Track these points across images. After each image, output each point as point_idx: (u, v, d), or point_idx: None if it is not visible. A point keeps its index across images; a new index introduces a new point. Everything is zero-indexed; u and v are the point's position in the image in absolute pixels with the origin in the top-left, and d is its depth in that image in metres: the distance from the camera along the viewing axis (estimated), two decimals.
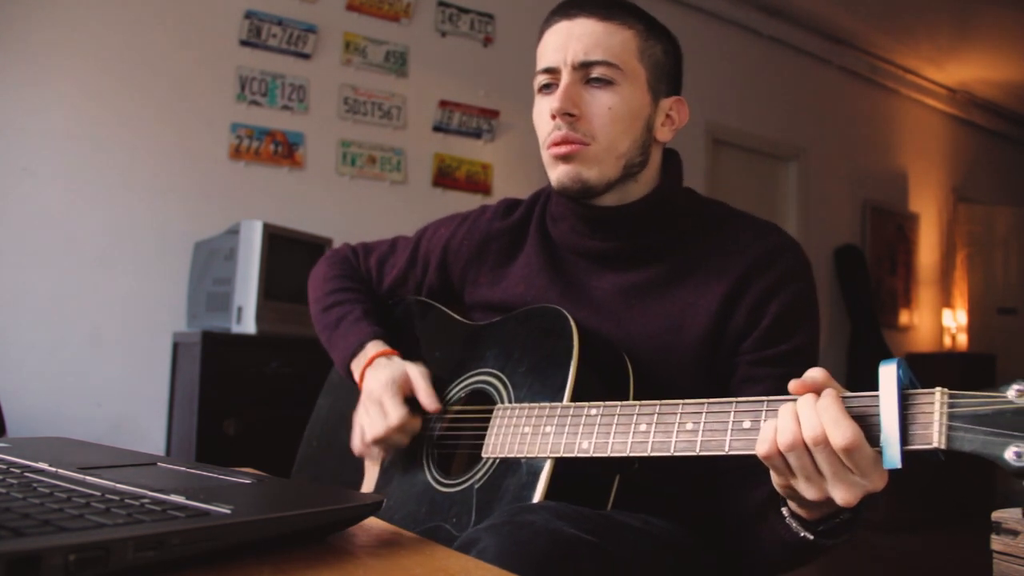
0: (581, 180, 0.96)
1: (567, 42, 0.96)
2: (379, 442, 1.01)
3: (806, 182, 4.90)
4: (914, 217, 5.64)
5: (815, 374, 0.69)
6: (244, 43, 2.96)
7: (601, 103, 0.95)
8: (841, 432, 0.64)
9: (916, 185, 5.68)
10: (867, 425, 0.66)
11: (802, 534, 0.75)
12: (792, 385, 0.68)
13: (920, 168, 5.71)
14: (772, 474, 0.71)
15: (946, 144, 5.94)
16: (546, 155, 0.99)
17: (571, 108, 0.94)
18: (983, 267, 6.03)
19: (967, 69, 5.48)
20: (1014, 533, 0.80)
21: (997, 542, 0.82)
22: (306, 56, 3.08)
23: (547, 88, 0.99)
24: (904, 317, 5.51)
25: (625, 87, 0.96)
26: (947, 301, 5.87)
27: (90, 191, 2.65)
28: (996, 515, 0.83)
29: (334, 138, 3.13)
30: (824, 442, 0.65)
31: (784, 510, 0.77)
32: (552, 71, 0.98)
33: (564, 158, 0.96)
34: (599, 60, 0.95)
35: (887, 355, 5.06)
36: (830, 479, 0.66)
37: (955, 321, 5.86)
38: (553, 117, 0.95)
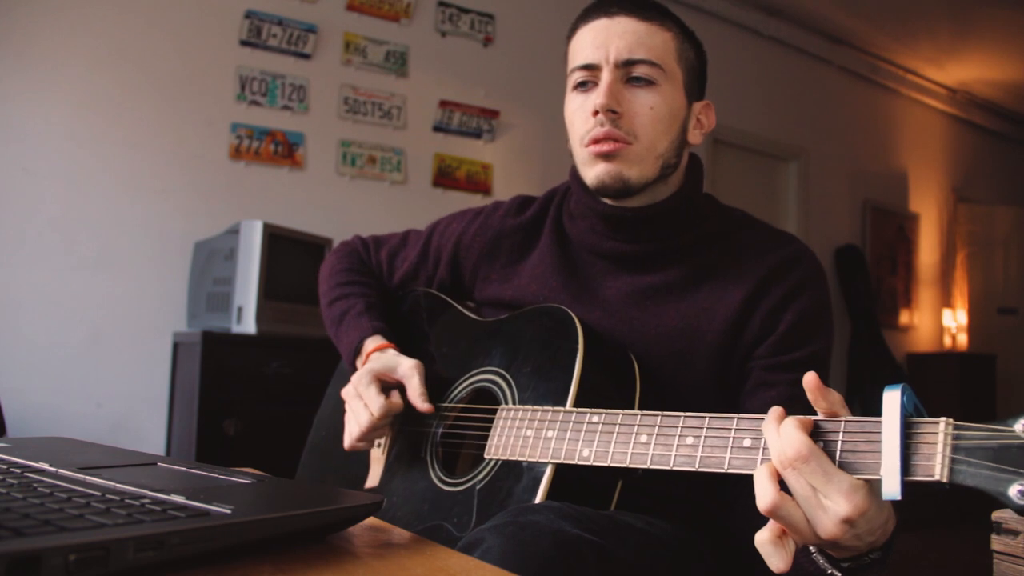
0: (622, 179, 0.96)
1: (608, 39, 0.95)
2: (366, 436, 1.01)
3: (806, 182, 4.90)
4: (914, 217, 5.64)
5: (833, 393, 0.68)
6: (244, 43, 2.96)
7: (643, 102, 0.95)
8: (790, 443, 0.64)
9: (916, 185, 5.68)
10: (868, 452, 0.64)
11: (829, 571, 0.72)
12: (808, 379, 0.67)
13: (920, 168, 5.71)
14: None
15: (946, 144, 5.94)
16: (583, 152, 0.98)
17: (615, 105, 0.94)
18: (983, 267, 6.03)
19: (967, 69, 5.48)
20: (1014, 533, 0.80)
21: (997, 542, 0.82)
22: (306, 56, 3.08)
23: (583, 86, 0.98)
24: (904, 317, 5.51)
25: (665, 87, 0.96)
26: (947, 301, 5.87)
27: (90, 191, 2.65)
28: (996, 515, 0.82)
29: (334, 138, 3.13)
30: (790, 462, 0.64)
31: (811, 546, 0.76)
32: (591, 68, 0.96)
33: (606, 156, 0.95)
34: (643, 59, 0.94)
35: (887, 355, 4.98)
36: (808, 513, 0.64)
37: (955, 321, 5.86)
38: (595, 113, 0.95)
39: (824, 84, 5.04)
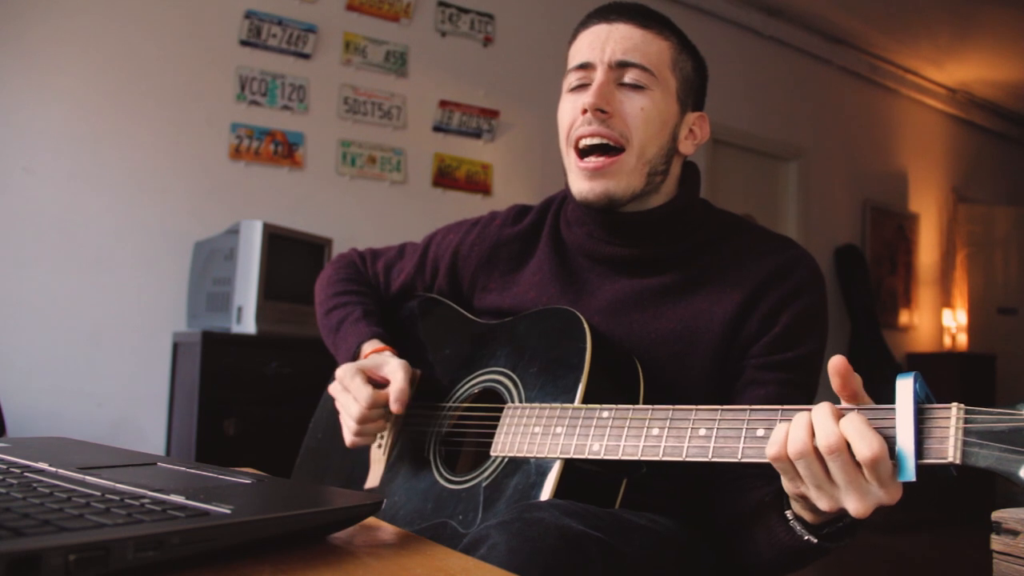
0: (607, 195, 0.97)
1: (605, 42, 0.97)
2: (362, 430, 1.00)
3: (806, 182, 4.90)
4: (914, 217, 5.64)
5: (856, 378, 0.69)
6: (244, 43, 2.96)
7: (634, 103, 0.96)
8: (867, 444, 0.64)
9: (916, 185, 5.68)
10: (883, 438, 0.66)
11: (806, 537, 0.75)
12: (837, 363, 0.68)
13: (920, 168, 5.71)
14: (783, 479, 0.71)
15: (946, 144, 5.94)
16: (572, 160, 0.99)
17: (604, 105, 0.95)
18: (983, 267, 6.02)
19: (967, 69, 5.48)
20: (1014, 533, 0.80)
21: (997, 542, 0.82)
22: (306, 56, 3.08)
23: (577, 89, 1.00)
24: (904, 317, 5.51)
25: (656, 93, 0.97)
26: (947, 301, 5.87)
27: (90, 191, 2.65)
28: (996, 515, 0.82)
29: (334, 138, 3.13)
30: (839, 450, 0.65)
31: (788, 513, 0.77)
32: (586, 67, 0.98)
33: (592, 173, 0.96)
34: (636, 63, 0.96)
35: (887, 355, 4.99)
36: (843, 488, 0.66)
37: (955, 321, 5.86)
38: (584, 112, 0.96)
39: (824, 84, 5.04)
